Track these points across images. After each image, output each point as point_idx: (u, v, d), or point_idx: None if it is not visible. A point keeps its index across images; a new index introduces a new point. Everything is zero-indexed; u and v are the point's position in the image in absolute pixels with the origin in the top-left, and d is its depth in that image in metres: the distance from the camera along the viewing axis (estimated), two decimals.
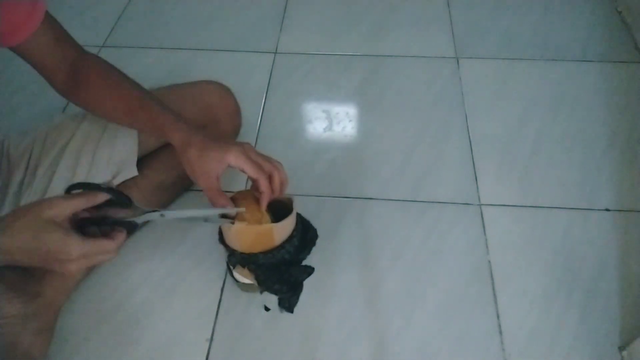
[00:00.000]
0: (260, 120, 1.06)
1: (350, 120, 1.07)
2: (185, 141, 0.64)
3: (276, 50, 1.22)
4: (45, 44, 0.67)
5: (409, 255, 0.85)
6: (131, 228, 0.59)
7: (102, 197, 0.56)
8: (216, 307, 0.79)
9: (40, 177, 0.74)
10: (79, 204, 0.54)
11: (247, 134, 0.99)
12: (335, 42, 1.23)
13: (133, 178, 0.80)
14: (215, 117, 0.86)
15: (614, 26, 1.24)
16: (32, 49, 0.66)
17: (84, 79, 0.70)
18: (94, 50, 1.22)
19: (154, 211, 0.61)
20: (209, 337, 0.76)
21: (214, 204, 0.65)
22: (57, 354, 0.74)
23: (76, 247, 0.53)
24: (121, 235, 0.57)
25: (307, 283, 0.81)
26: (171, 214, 0.62)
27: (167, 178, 0.85)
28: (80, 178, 0.76)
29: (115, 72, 0.72)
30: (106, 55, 1.24)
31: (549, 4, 1.31)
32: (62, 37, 0.69)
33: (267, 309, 0.78)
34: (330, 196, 0.93)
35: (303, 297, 0.80)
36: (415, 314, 0.78)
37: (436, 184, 0.94)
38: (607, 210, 0.90)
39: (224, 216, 0.67)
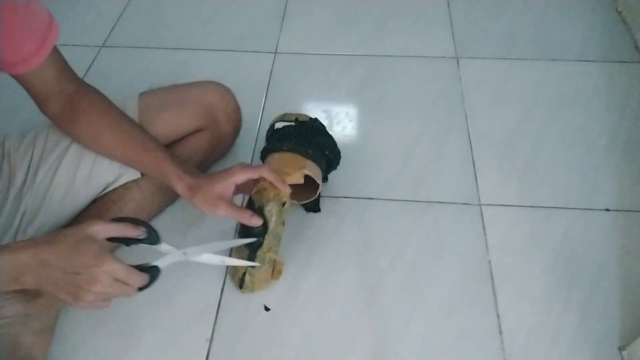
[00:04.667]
0: (260, 120, 1.06)
1: (350, 120, 1.07)
2: (192, 187, 0.71)
3: (276, 50, 1.22)
4: (47, 75, 0.67)
5: (409, 255, 0.85)
6: (155, 274, 0.62)
7: (139, 231, 0.60)
8: (216, 307, 0.80)
9: (42, 178, 0.74)
10: (117, 230, 0.58)
11: (247, 134, 0.99)
12: (335, 42, 1.23)
13: (135, 179, 0.80)
14: (215, 117, 0.86)
15: (614, 26, 1.24)
16: (33, 78, 0.67)
17: (81, 113, 0.71)
18: (94, 51, 1.23)
19: (177, 249, 0.65)
20: (209, 337, 0.76)
21: (243, 221, 0.71)
22: (57, 354, 0.74)
23: (110, 263, 0.55)
24: (146, 278, 0.59)
25: (307, 283, 0.81)
26: (194, 251, 0.68)
27: None
28: (81, 180, 0.76)
29: (115, 110, 0.74)
30: (106, 55, 1.25)
31: (549, 4, 1.31)
32: (64, 69, 0.70)
33: (267, 308, 0.78)
34: (330, 196, 0.93)
35: (303, 296, 0.80)
36: (415, 314, 0.78)
37: (436, 184, 0.94)
38: (607, 210, 0.90)
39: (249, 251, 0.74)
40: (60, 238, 0.55)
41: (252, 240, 0.72)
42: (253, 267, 0.75)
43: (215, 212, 0.70)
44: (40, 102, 0.70)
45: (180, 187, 0.71)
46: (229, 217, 0.71)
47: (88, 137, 0.74)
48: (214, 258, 0.69)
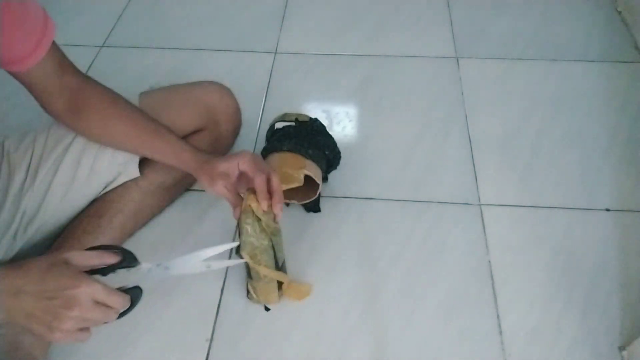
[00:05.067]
0: (260, 120, 1.06)
1: (350, 120, 1.07)
2: (201, 161, 0.71)
3: (276, 50, 1.22)
4: (48, 72, 0.67)
5: (409, 255, 0.85)
6: (136, 295, 0.56)
7: (117, 256, 0.56)
8: (216, 307, 0.80)
9: (42, 178, 0.74)
10: (95, 258, 0.55)
11: (247, 134, 0.99)
12: (335, 42, 1.23)
13: (134, 179, 0.80)
14: (215, 117, 0.86)
15: (614, 26, 1.24)
16: (34, 76, 0.66)
17: (88, 106, 0.71)
18: (94, 50, 1.23)
19: (157, 265, 0.60)
20: (209, 337, 0.76)
21: (233, 208, 0.71)
22: (57, 354, 0.74)
23: (88, 283, 0.51)
24: (127, 299, 0.54)
25: (307, 282, 0.81)
26: (176, 264, 0.62)
27: (168, 179, 0.85)
28: (82, 179, 0.76)
29: (121, 99, 0.73)
30: (106, 55, 1.25)
31: (549, 4, 1.31)
32: (64, 65, 0.69)
33: (267, 309, 0.78)
34: (330, 196, 0.93)
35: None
36: (415, 314, 0.78)
37: (436, 184, 0.94)
38: (607, 210, 0.90)
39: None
40: (32, 263, 0.52)
41: (234, 245, 0.68)
42: (251, 278, 0.73)
43: (212, 188, 0.70)
44: (44, 100, 0.70)
45: (192, 164, 0.72)
46: (225, 198, 0.71)
47: (97, 130, 0.73)
48: (197, 266, 0.63)
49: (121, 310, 0.54)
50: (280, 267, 0.74)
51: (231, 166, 0.69)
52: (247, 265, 0.72)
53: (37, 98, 0.70)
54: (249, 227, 0.68)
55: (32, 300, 0.50)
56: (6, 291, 0.50)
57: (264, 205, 0.67)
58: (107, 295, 0.52)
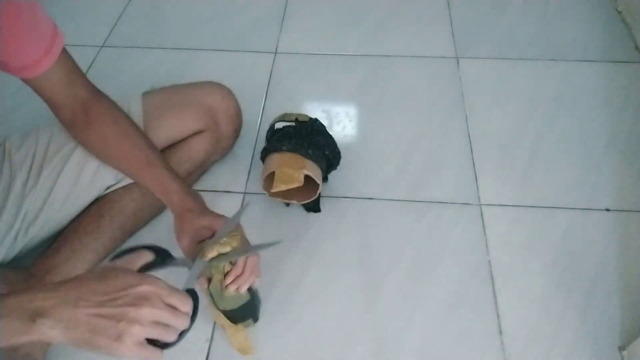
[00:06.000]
0: (260, 120, 1.06)
1: (350, 120, 1.07)
2: (184, 211, 0.67)
3: (276, 50, 1.22)
4: (57, 80, 0.67)
5: (409, 255, 0.85)
6: (194, 298, 0.53)
7: (149, 255, 0.54)
8: None
9: (45, 179, 0.73)
10: (136, 261, 0.52)
11: (247, 134, 0.99)
12: (335, 42, 1.23)
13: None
14: (216, 118, 0.86)
15: (614, 26, 1.24)
16: (44, 83, 0.66)
17: (93, 123, 0.70)
18: (94, 50, 1.23)
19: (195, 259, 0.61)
20: (209, 337, 0.76)
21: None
22: (57, 354, 0.74)
23: (152, 279, 0.47)
24: (188, 298, 0.51)
25: (307, 282, 0.81)
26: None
27: None
28: (85, 182, 0.76)
29: (127, 121, 0.73)
30: (106, 55, 1.25)
31: (549, 4, 1.30)
32: (74, 74, 0.69)
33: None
34: (330, 196, 0.93)
35: (303, 296, 0.80)
36: (415, 314, 0.78)
37: (436, 184, 0.94)
38: (607, 210, 0.90)
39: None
40: (82, 275, 0.48)
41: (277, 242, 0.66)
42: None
43: (179, 241, 0.67)
44: (54, 108, 0.70)
45: (176, 208, 0.67)
46: (182, 252, 0.67)
47: (96, 148, 0.73)
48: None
49: (188, 312, 0.49)
50: (226, 313, 0.70)
51: (211, 228, 0.65)
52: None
53: (48, 105, 0.70)
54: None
55: (94, 306, 0.44)
56: (63, 303, 0.44)
57: (229, 281, 0.64)
58: (171, 291, 0.48)
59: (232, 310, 0.69)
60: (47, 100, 0.69)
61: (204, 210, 0.68)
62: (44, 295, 0.44)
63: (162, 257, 0.56)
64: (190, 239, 0.66)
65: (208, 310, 0.72)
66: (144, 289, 0.46)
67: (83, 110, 0.70)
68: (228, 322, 0.71)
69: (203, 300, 0.60)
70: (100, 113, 0.71)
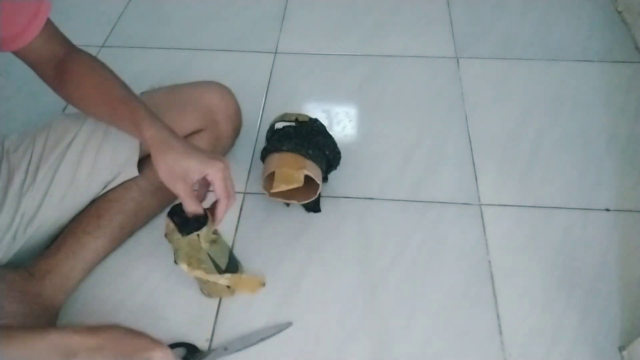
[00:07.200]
0: (260, 120, 1.06)
1: (350, 120, 1.07)
2: (163, 142, 0.62)
3: (276, 50, 1.22)
4: (38, 43, 0.67)
5: (409, 255, 0.85)
6: None
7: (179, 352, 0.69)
8: (216, 307, 0.79)
9: (42, 178, 0.74)
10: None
11: (247, 134, 0.99)
12: (335, 42, 1.23)
13: (134, 178, 0.80)
14: (215, 118, 0.86)
15: (614, 26, 1.24)
16: (26, 49, 0.66)
17: (71, 73, 0.70)
18: (94, 50, 1.23)
19: (218, 349, 0.73)
20: (209, 337, 0.76)
21: (187, 208, 0.64)
22: None
23: (164, 348, 0.59)
24: None
25: (307, 282, 0.81)
26: (235, 345, 0.74)
27: None
28: (81, 179, 0.76)
29: (105, 69, 0.72)
30: (106, 55, 1.25)
31: (549, 4, 1.31)
32: (53, 34, 0.70)
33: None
34: (330, 196, 0.93)
35: (303, 296, 0.80)
36: (415, 314, 0.78)
37: (436, 184, 0.94)
38: (607, 210, 0.90)
39: None
40: (113, 326, 0.60)
41: (288, 326, 0.77)
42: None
43: (171, 187, 0.62)
44: (38, 71, 0.71)
45: (149, 133, 0.62)
46: (180, 199, 0.64)
47: (75, 97, 0.72)
48: (252, 339, 0.75)
49: None
50: (226, 269, 0.72)
51: (197, 170, 0.62)
52: None
53: (33, 69, 0.71)
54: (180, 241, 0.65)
55: (111, 356, 0.57)
56: (85, 348, 0.56)
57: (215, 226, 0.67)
58: None
59: (230, 262, 0.73)
60: (30, 63, 0.70)
61: (189, 153, 0.62)
62: (79, 338, 0.57)
63: (191, 352, 0.72)
64: (183, 182, 0.62)
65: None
66: (154, 354, 0.58)
67: (61, 65, 0.70)
68: (236, 277, 0.75)
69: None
70: (78, 64, 0.71)
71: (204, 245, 0.66)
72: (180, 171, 0.61)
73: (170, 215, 0.65)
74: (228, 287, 0.75)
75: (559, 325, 0.76)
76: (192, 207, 0.64)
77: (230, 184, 0.66)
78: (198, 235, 0.64)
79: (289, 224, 0.89)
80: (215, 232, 0.68)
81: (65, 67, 0.70)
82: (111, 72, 0.72)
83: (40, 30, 0.65)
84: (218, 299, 0.80)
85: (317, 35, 1.25)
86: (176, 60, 1.21)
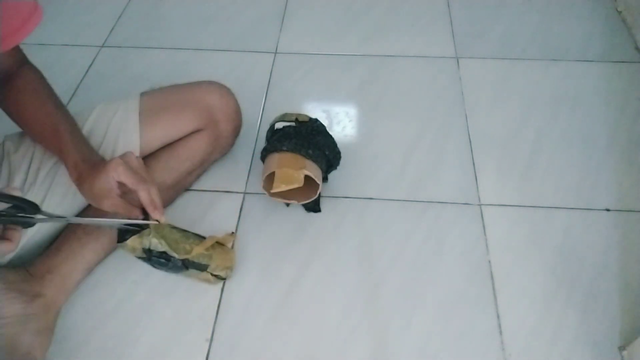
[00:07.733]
0: (260, 120, 1.06)
1: (350, 120, 1.07)
2: (79, 172, 0.67)
3: (276, 50, 1.23)
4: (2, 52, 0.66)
5: (409, 255, 0.85)
6: (27, 225, 0.58)
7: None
8: (216, 307, 0.80)
9: (43, 179, 0.74)
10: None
11: (247, 134, 0.99)
12: (335, 42, 1.23)
13: None
14: (215, 117, 0.86)
15: (614, 26, 1.24)
16: None
17: (15, 90, 0.70)
18: (94, 50, 1.23)
19: (59, 217, 0.67)
20: (209, 337, 0.76)
21: (130, 217, 0.67)
22: (57, 354, 0.74)
23: None
24: (17, 234, 0.56)
25: (307, 282, 0.81)
26: (77, 220, 0.73)
27: (167, 179, 0.85)
28: None
29: (47, 93, 0.72)
30: (106, 55, 1.25)
31: (549, 4, 1.31)
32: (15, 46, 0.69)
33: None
34: (330, 196, 0.93)
35: (303, 296, 0.80)
36: (415, 314, 0.78)
37: (436, 184, 0.94)
38: (607, 210, 0.90)
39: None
40: None
41: (134, 221, 0.70)
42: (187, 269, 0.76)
43: (101, 207, 0.66)
44: None
45: (69, 165, 0.67)
46: (117, 213, 0.66)
47: (14, 114, 0.72)
48: (97, 221, 0.72)
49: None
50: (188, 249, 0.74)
51: (107, 180, 0.64)
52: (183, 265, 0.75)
53: None
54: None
55: None
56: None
57: (156, 215, 0.67)
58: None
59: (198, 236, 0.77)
60: None
61: (94, 171, 0.65)
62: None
63: (24, 207, 0.58)
64: (107, 199, 0.65)
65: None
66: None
67: (9, 78, 0.70)
68: (208, 239, 0.77)
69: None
70: (23, 82, 0.71)
71: (159, 238, 0.70)
72: (98, 192, 0.65)
73: (121, 237, 0.70)
74: (210, 272, 0.77)
75: (559, 325, 0.76)
76: (128, 214, 0.67)
77: (141, 170, 0.66)
78: (141, 235, 0.69)
79: (289, 224, 0.89)
80: (174, 227, 0.74)
81: (12, 83, 0.70)
82: (53, 95, 0.72)
83: (33, 30, 0.65)
84: (218, 299, 0.80)
85: (317, 35, 1.26)
86: (176, 60, 1.21)
